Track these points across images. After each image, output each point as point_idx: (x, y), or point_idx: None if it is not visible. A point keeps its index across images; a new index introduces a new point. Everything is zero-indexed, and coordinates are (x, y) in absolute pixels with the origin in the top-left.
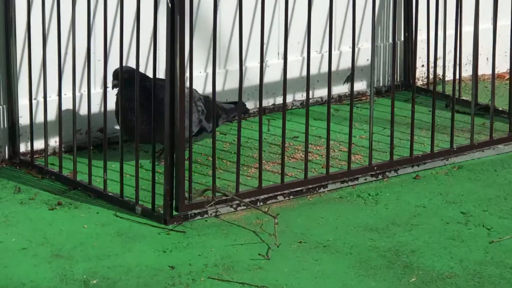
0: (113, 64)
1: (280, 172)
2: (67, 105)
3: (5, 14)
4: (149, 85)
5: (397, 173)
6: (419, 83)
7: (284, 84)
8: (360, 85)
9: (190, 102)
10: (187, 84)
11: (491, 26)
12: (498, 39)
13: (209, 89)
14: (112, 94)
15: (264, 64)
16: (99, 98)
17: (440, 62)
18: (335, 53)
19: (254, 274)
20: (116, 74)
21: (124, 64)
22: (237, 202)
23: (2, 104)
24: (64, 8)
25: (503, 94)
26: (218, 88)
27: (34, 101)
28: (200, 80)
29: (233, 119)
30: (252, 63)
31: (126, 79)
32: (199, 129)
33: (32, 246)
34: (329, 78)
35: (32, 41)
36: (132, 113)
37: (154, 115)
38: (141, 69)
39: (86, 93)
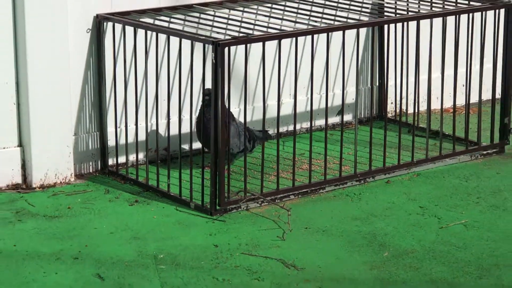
0: (174, 103)
1: (292, 178)
2: (141, 131)
3: (98, 65)
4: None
5: (374, 179)
6: (389, 115)
7: (295, 116)
8: (348, 117)
9: (228, 129)
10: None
11: (440, 75)
12: (445, 84)
13: (241, 120)
14: (172, 122)
15: (280, 102)
16: (164, 126)
17: (404, 101)
18: (330, 94)
19: (274, 250)
20: (208, 91)
21: (183, 104)
22: (261, 199)
23: (96, 131)
24: (139, 61)
25: (449, 123)
26: (248, 119)
27: (118, 129)
28: (235, 114)
29: (265, 141)
30: (272, 101)
31: (209, 99)
32: (243, 148)
33: (117, 231)
34: (326, 112)
35: (117, 85)
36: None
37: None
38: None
39: (155, 123)
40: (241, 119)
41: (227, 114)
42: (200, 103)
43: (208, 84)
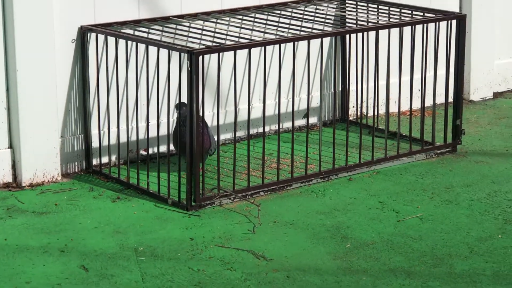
0: (153, 107)
1: (261, 176)
2: (123, 134)
3: (82, 73)
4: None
5: (337, 176)
6: (351, 118)
7: (264, 119)
8: (313, 119)
9: (207, 131)
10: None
11: (398, 81)
12: (402, 89)
13: (215, 123)
14: (151, 125)
15: (250, 106)
16: (143, 129)
17: (364, 104)
18: (296, 99)
19: (245, 243)
20: (178, 105)
21: (161, 109)
22: (233, 196)
23: (81, 133)
24: (121, 69)
25: (405, 125)
26: (221, 122)
27: (101, 131)
28: (209, 117)
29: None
30: (243, 106)
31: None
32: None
33: (100, 226)
34: (293, 115)
35: (100, 91)
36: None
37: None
38: (170, 112)
39: (135, 126)
40: (215, 123)
41: (202, 118)
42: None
43: (184, 90)
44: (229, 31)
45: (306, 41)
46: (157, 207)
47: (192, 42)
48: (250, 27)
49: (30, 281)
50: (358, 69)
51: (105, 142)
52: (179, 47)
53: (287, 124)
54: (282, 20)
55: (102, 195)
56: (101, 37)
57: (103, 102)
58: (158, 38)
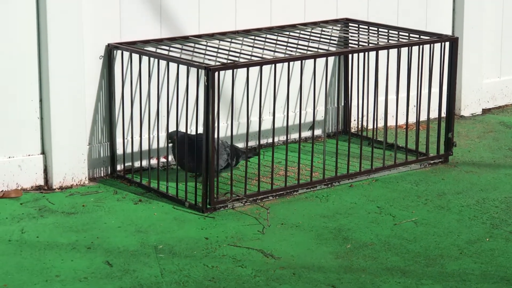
0: (172, 118)
1: (270, 182)
2: (145, 142)
3: (109, 86)
4: (193, 138)
5: (339, 183)
6: (352, 130)
7: (273, 131)
8: (318, 131)
9: (217, 148)
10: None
11: (395, 97)
12: (399, 104)
13: (228, 133)
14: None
15: (261, 118)
16: (164, 138)
17: (365, 118)
18: (303, 112)
19: (255, 242)
20: (169, 135)
21: (180, 120)
22: (245, 200)
23: (107, 141)
24: (143, 83)
25: (402, 137)
26: (234, 133)
27: (125, 140)
28: (223, 128)
29: (248, 158)
30: (254, 118)
31: (177, 138)
32: (227, 164)
33: (124, 225)
34: (299, 127)
35: (124, 103)
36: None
37: (197, 156)
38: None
39: (156, 135)
40: (229, 133)
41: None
42: (194, 119)
43: (201, 103)
44: (243, 49)
45: (312, 60)
46: (175, 209)
47: (209, 60)
48: (262, 46)
49: (60, 274)
50: (359, 86)
51: (128, 150)
52: (197, 63)
53: (294, 135)
54: (290, 40)
55: (125, 198)
56: (126, 54)
57: (127, 113)
58: (177, 55)
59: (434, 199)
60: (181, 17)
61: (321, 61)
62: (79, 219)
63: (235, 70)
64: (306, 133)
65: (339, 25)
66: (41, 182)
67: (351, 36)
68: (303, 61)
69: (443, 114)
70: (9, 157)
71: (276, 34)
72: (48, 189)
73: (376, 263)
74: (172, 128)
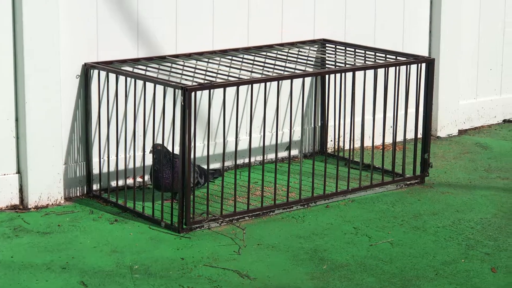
0: (149, 138)
1: (247, 202)
2: (121, 162)
3: (85, 106)
4: (170, 157)
5: (316, 204)
6: (329, 150)
7: (249, 151)
8: (294, 152)
9: (189, 167)
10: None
11: (372, 118)
12: (376, 125)
13: (205, 154)
14: (147, 155)
15: (237, 138)
16: (140, 158)
17: (341, 139)
18: (280, 133)
19: (231, 263)
20: (155, 147)
21: (156, 140)
22: (221, 220)
23: (83, 161)
24: (120, 103)
25: (378, 158)
26: (210, 153)
27: (101, 159)
28: (199, 148)
29: (215, 179)
30: (231, 138)
31: (158, 150)
32: (197, 182)
33: (99, 245)
34: (276, 147)
35: (101, 123)
36: (161, 173)
37: (173, 174)
38: (164, 142)
39: (132, 155)
40: (205, 153)
41: (172, 155)
42: (170, 139)
43: (177, 123)
44: (220, 70)
45: (289, 80)
46: (151, 229)
47: (186, 79)
48: (239, 67)
49: None
50: (336, 107)
51: (104, 169)
52: (174, 83)
53: (271, 156)
54: (268, 60)
55: (101, 218)
56: (103, 74)
57: (104, 133)
58: (154, 75)
59: (410, 220)
60: (158, 36)
61: (298, 82)
62: (54, 239)
63: (212, 90)
64: (282, 153)
65: (316, 46)
66: (16, 201)
67: (328, 56)
68: (280, 81)
69: (420, 135)
70: None
71: (253, 54)
72: (24, 209)
73: (352, 284)
74: (148, 148)
